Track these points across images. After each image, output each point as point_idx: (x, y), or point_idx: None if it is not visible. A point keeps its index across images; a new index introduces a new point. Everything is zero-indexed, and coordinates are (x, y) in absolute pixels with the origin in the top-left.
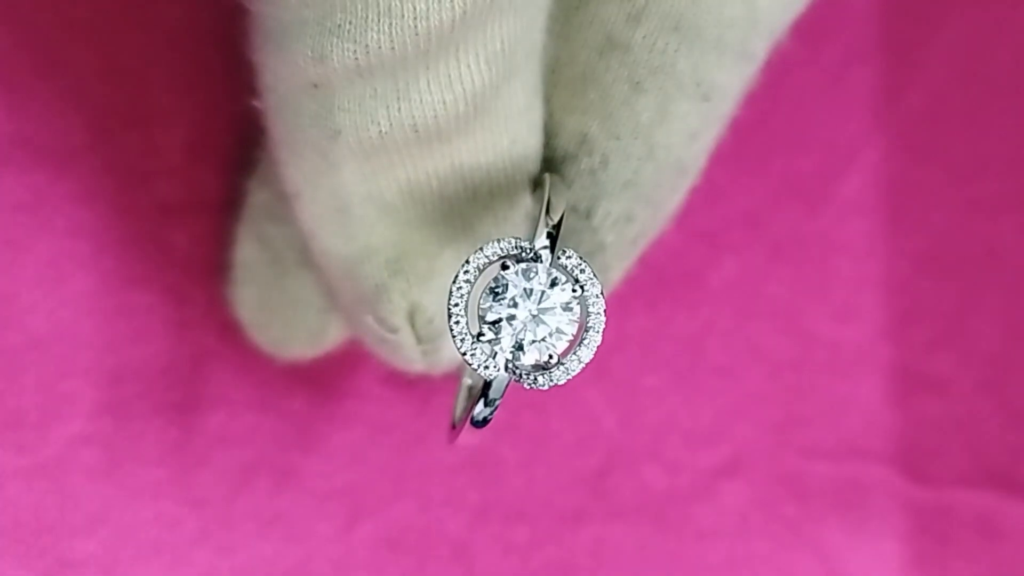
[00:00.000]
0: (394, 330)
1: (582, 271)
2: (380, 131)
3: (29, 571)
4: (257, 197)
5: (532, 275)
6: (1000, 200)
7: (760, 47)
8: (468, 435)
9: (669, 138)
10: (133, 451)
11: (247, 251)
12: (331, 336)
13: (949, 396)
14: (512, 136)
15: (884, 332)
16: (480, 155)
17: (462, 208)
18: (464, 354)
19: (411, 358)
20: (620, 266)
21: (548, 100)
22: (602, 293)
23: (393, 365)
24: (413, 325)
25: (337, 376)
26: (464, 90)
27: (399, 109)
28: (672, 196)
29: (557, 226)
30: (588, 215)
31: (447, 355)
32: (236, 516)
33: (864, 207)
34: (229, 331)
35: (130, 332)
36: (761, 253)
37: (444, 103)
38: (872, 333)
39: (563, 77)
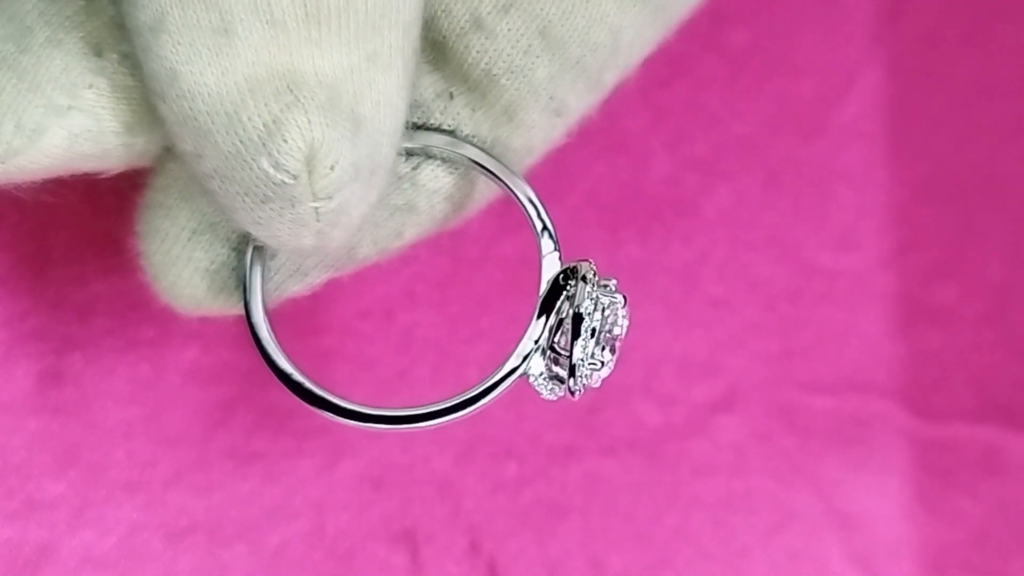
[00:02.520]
0: (294, 175)
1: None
2: None
3: None
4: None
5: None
6: (1003, 125)
7: (611, 79)
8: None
9: (512, 141)
10: (104, 389)
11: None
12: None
13: (952, 327)
14: None
15: (884, 261)
16: None
17: (366, 26)
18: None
19: (303, 220)
20: None
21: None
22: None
23: (275, 241)
24: (311, 173)
25: (315, 311)
26: None
27: None
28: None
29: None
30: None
31: (344, 223)
32: (212, 455)
33: (863, 133)
34: None
35: (99, 266)
36: (757, 181)
37: None
38: (872, 262)
39: (425, 32)
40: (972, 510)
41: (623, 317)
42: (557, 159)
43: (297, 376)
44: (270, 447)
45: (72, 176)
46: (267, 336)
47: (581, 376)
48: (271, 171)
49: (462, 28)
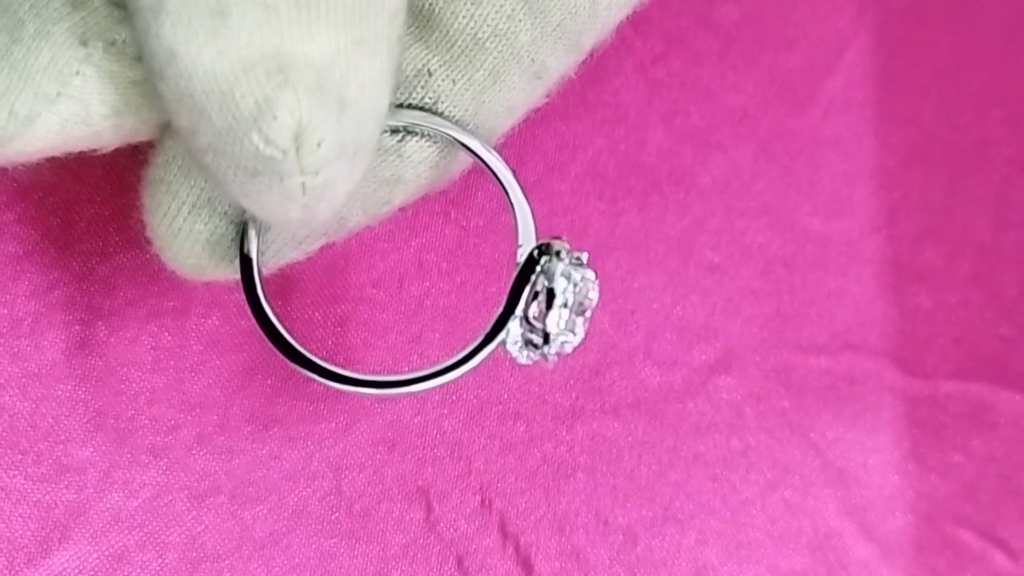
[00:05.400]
0: (283, 151)
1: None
2: None
3: (26, 478)
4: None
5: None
6: (987, 92)
7: (590, 41)
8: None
9: (495, 104)
10: (128, 357)
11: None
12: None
13: (941, 288)
14: None
15: (874, 226)
16: None
17: (354, 13)
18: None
19: (290, 193)
20: None
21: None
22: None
23: (264, 214)
24: (299, 149)
25: (331, 281)
26: None
27: None
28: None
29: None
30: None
31: (329, 197)
32: (233, 419)
33: (852, 102)
34: None
35: (122, 239)
36: (750, 150)
37: None
38: (862, 227)
39: (411, 4)
40: (963, 464)
41: (593, 289)
42: (559, 133)
43: (296, 346)
44: (289, 411)
45: (92, 153)
46: (262, 301)
47: (555, 344)
48: (261, 146)
49: None
